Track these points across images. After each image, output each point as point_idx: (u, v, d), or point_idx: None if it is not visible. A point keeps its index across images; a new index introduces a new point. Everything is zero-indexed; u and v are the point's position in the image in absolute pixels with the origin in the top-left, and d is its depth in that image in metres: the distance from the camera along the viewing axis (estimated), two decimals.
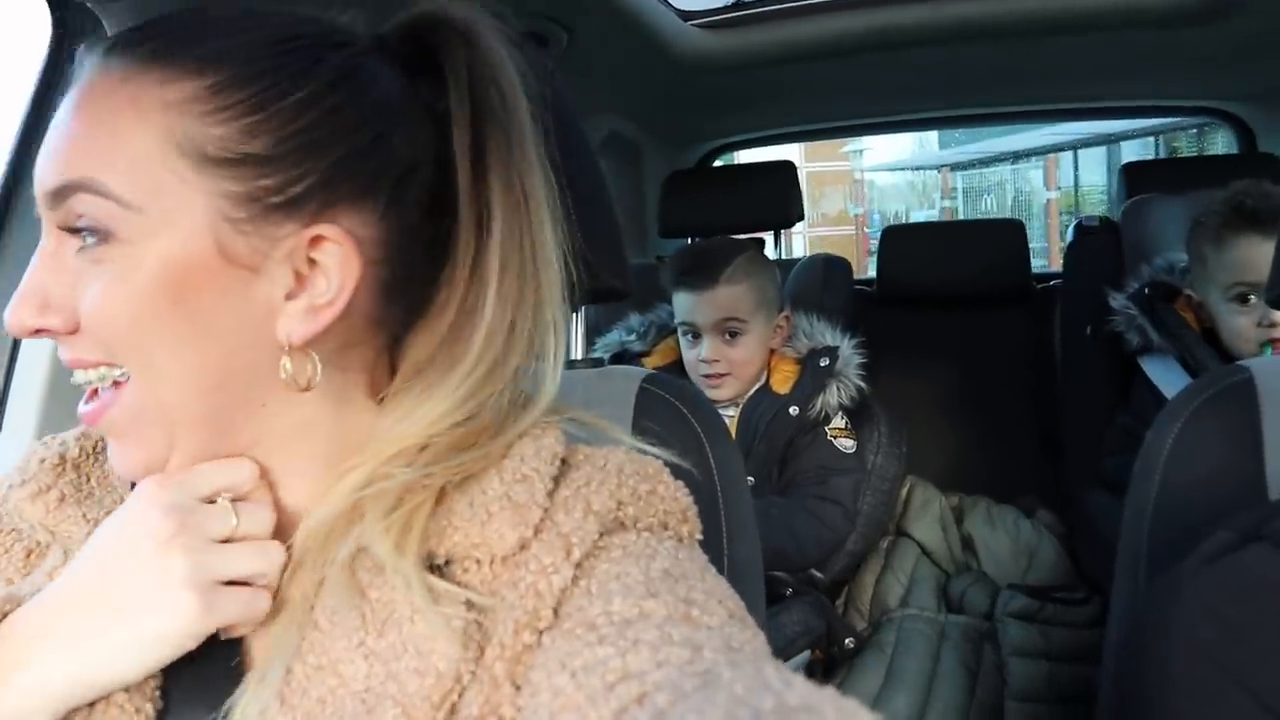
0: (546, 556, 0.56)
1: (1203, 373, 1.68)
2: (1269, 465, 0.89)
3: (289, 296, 0.58)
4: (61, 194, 0.55)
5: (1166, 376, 1.83)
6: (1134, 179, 2.54)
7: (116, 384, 0.58)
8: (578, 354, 1.13)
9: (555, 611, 0.54)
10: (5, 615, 0.57)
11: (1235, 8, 1.89)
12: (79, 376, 0.58)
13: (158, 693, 0.58)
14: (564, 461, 0.63)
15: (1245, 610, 0.57)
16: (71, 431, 0.71)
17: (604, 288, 1.00)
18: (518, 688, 0.53)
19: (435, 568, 0.57)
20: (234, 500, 0.59)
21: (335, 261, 0.58)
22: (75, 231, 0.56)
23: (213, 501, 0.59)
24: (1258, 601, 0.57)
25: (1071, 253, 2.37)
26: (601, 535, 0.59)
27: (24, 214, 1.20)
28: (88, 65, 0.57)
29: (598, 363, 1.12)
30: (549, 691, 0.49)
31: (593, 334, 2.08)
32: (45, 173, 0.56)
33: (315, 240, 0.58)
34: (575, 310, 1.12)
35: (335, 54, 0.59)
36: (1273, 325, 1.61)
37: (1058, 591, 1.90)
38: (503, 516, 0.57)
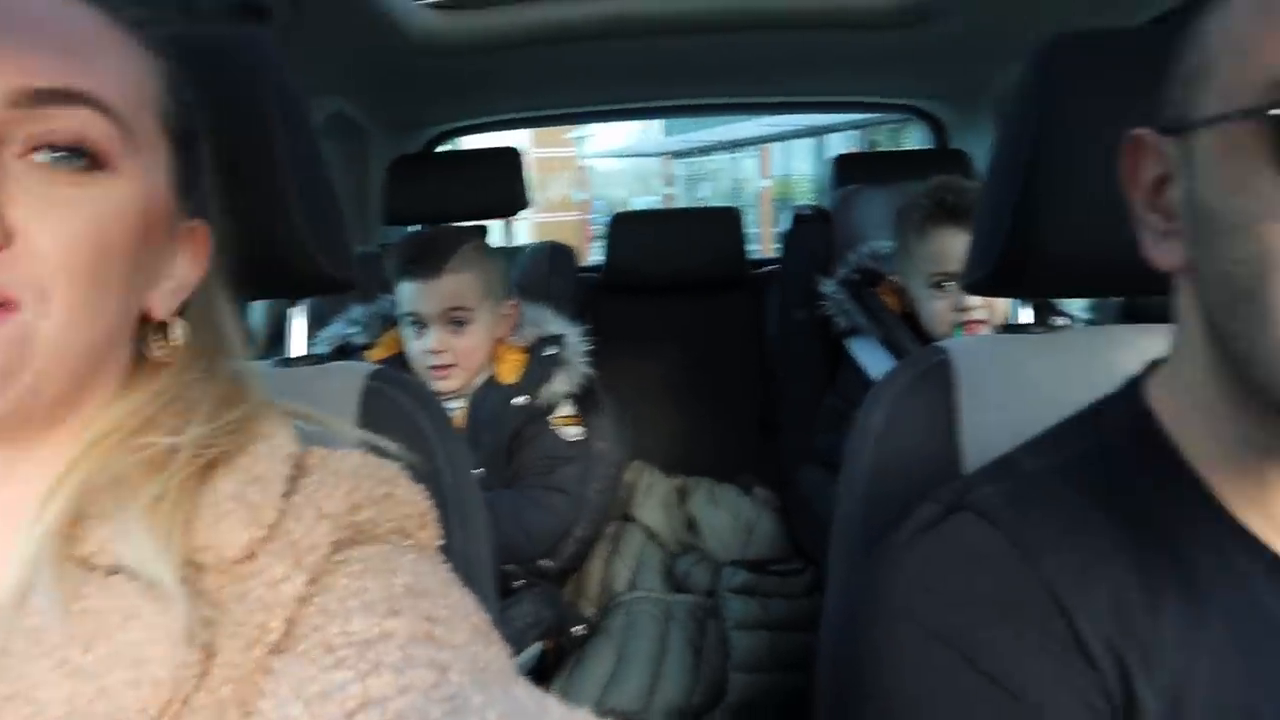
0: (277, 566, 0.53)
1: (903, 353, 1.82)
2: (963, 441, 0.95)
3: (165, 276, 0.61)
4: (55, 98, 0.51)
5: (870, 357, 1.95)
6: (844, 170, 2.69)
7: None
8: (299, 350, 1.07)
9: (288, 629, 0.51)
10: None
11: (928, 14, 2.04)
12: None
13: None
14: (298, 464, 0.60)
15: (954, 578, 0.60)
16: None
17: (325, 278, 0.95)
18: (248, 713, 0.49)
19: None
20: None
21: (190, 251, 0.63)
22: (47, 149, 0.51)
23: None
24: (965, 569, 0.61)
25: (788, 239, 2.49)
26: (338, 548, 0.56)
27: None
28: None
29: (318, 360, 1.07)
30: None
31: (315, 327, 1.99)
32: (25, 69, 0.51)
33: (193, 231, 0.63)
34: (294, 303, 1.06)
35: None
36: (965, 310, 1.76)
37: (775, 564, 2.00)
38: (235, 516, 0.54)
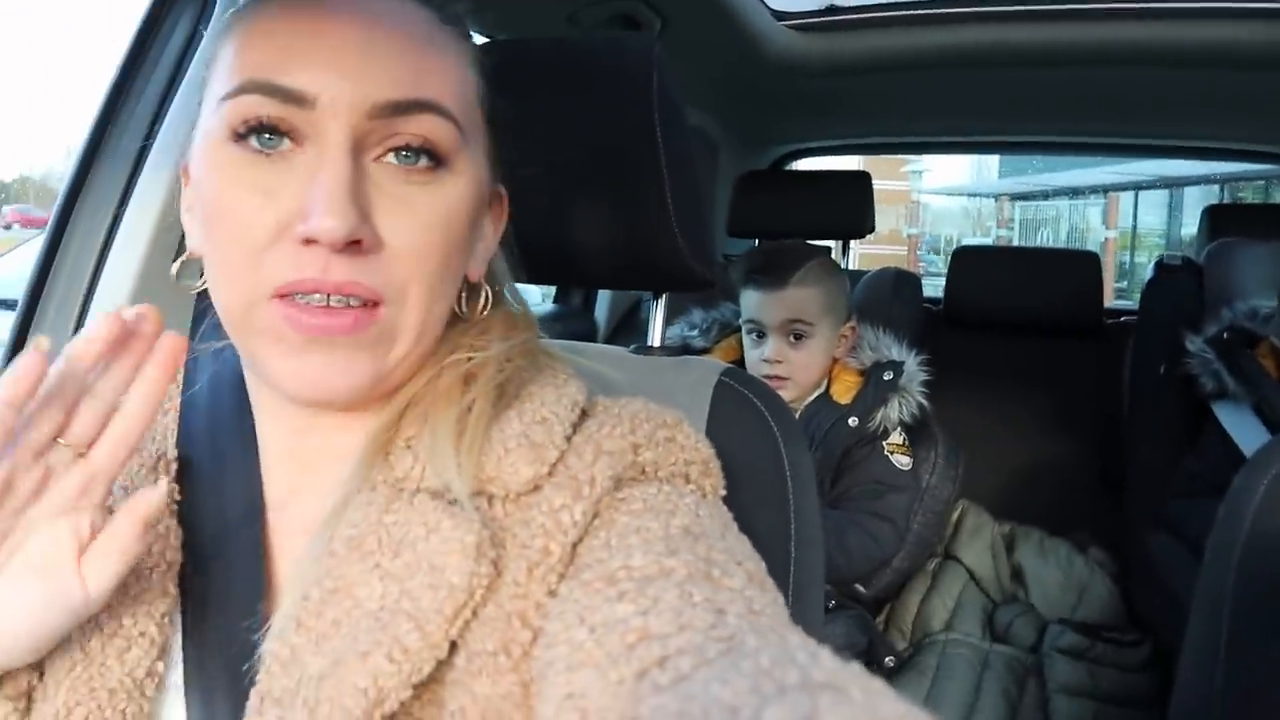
0: (557, 497, 0.58)
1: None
2: None
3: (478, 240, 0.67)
4: (407, 109, 0.57)
5: (1240, 425, 1.79)
6: (1216, 223, 2.49)
7: (369, 305, 0.57)
8: (655, 341, 1.11)
9: (569, 556, 0.56)
10: None
11: None
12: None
13: (165, 619, 0.60)
14: (583, 412, 0.65)
15: None
16: None
17: (690, 275, 0.98)
18: (532, 629, 0.54)
19: (452, 501, 0.58)
20: None
21: (492, 216, 0.68)
22: (396, 151, 0.57)
23: None
24: None
25: (1150, 289, 2.32)
26: (620, 485, 0.60)
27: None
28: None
29: (675, 351, 1.10)
30: (567, 644, 0.49)
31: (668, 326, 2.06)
32: (384, 83, 0.56)
33: (497, 195, 0.68)
34: (657, 297, 1.10)
35: None
36: None
37: (1109, 631, 1.85)
38: (519, 453, 0.59)
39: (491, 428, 0.61)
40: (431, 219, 0.58)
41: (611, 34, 1.64)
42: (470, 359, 0.64)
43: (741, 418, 0.95)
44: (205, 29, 1.17)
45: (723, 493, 0.66)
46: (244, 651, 0.57)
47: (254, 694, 0.54)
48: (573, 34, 1.70)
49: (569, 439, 0.61)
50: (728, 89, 2.33)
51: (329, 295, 0.55)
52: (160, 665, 0.59)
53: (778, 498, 0.93)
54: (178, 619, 0.62)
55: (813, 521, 0.97)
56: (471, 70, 0.63)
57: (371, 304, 0.57)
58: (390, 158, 0.57)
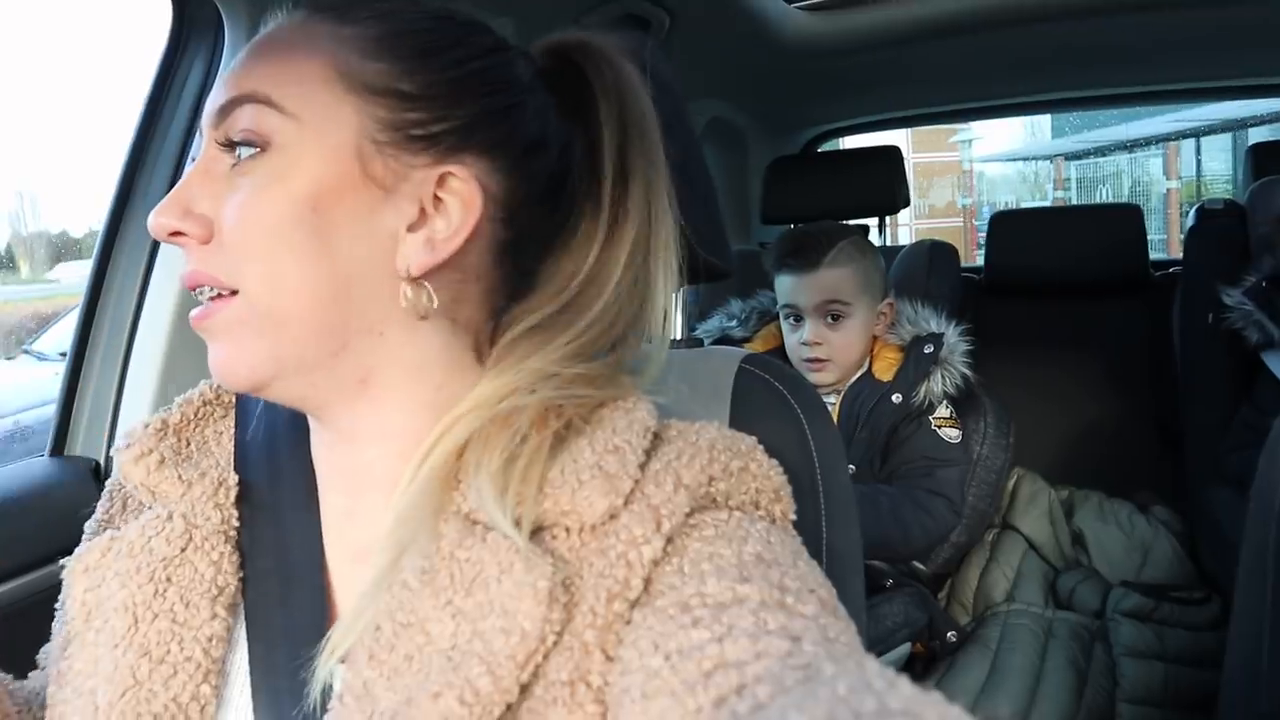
0: (637, 528, 0.56)
1: None
2: None
3: (411, 229, 0.61)
4: (228, 108, 0.60)
5: None
6: (1262, 160, 2.40)
7: (228, 294, 0.60)
8: (677, 334, 1.12)
9: (646, 585, 0.54)
10: None
11: None
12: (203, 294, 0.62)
13: (212, 642, 0.62)
14: (656, 435, 0.63)
15: None
16: (177, 399, 0.74)
17: (704, 266, 0.99)
18: (609, 658, 0.53)
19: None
20: None
21: (459, 201, 0.62)
22: (232, 146, 0.60)
23: None
24: None
25: (1192, 238, 2.25)
26: (693, 512, 0.59)
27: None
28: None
29: (697, 343, 1.11)
30: (642, 672, 0.49)
31: (692, 319, 2.07)
32: (217, 95, 0.62)
33: (443, 178, 0.62)
34: (675, 290, 1.11)
35: (484, 34, 0.67)
36: None
37: (1175, 591, 1.82)
38: (593, 485, 0.57)
39: (563, 457, 0.59)
40: (253, 198, 0.59)
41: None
42: (502, 407, 0.61)
43: (765, 404, 0.95)
44: (218, 70, 1.21)
45: (793, 517, 0.65)
46: (310, 676, 0.58)
47: None
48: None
49: (642, 467, 0.59)
50: (748, 77, 2.32)
51: (194, 291, 0.62)
52: (205, 689, 0.61)
53: (806, 480, 0.93)
54: (239, 640, 0.64)
55: (844, 501, 0.96)
56: (337, 53, 0.61)
57: (230, 293, 0.60)
58: (228, 163, 0.61)
